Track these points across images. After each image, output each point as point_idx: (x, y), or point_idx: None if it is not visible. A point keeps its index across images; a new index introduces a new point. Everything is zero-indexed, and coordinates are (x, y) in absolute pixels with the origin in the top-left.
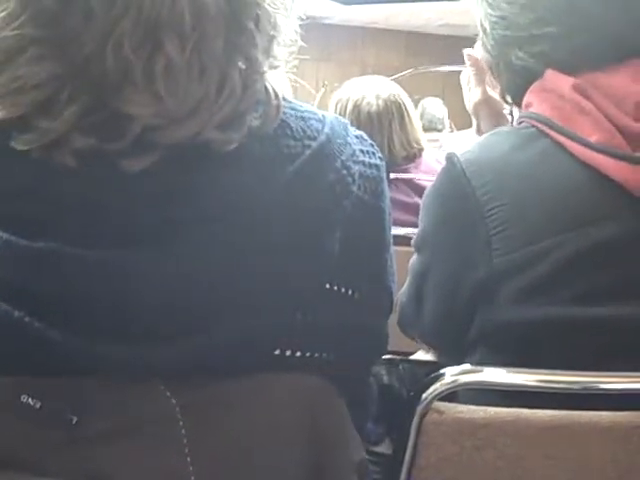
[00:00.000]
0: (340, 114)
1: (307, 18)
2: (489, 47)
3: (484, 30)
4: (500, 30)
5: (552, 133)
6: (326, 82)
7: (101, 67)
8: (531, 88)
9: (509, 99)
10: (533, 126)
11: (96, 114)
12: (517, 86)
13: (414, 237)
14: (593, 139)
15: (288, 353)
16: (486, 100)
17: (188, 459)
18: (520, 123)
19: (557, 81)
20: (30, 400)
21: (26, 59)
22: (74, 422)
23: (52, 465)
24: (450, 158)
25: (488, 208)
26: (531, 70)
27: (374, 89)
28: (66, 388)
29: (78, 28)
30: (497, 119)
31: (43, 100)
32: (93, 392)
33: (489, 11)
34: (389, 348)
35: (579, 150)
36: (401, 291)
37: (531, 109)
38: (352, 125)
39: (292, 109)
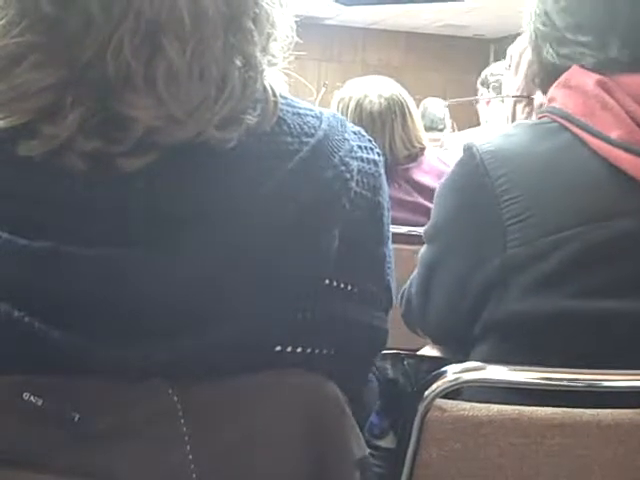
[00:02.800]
0: (342, 113)
1: (309, 18)
2: (530, 36)
3: (529, 20)
4: (539, 24)
5: (572, 128)
6: (327, 82)
7: (102, 71)
8: (556, 83)
9: (540, 89)
10: (554, 120)
11: (99, 118)
12: (543, 79)
13: (426, 227)
14: (614, 135)
15: (289, 350)
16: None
17: (190, 457)
18: (542, 117)
19: (582, 77)
20: (32, 398)
21: (27, 66)
22: (76, 420)
23: (54, 463)
24: (469, 148)
25: (505, 199)
26: (558, 68)
27: (376, 88)
28: (68, 386)
29: (78, 33)
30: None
31: (46, 106)
32: (95, 391)
33: (536, 3)
34: (395, 345)
35: (598, 145)
36: (408, 282)
37: (554, 104)
38: (354, 124)
39: (289, 106)
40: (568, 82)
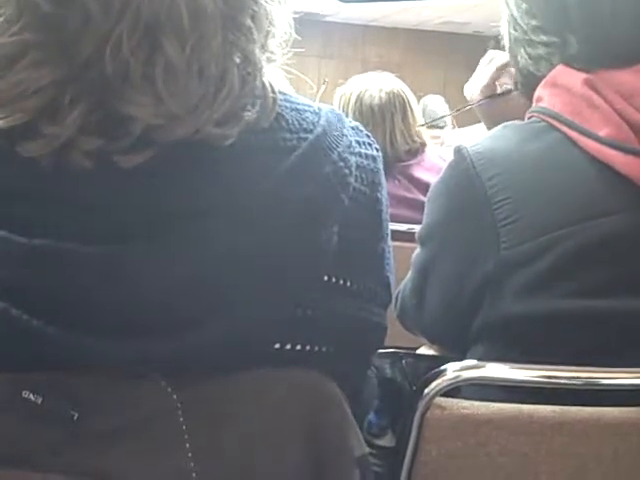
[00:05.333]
0: (343, 107)
1: (309, 15)
2: (506, 42)
3: (504, 26)
4: (511, 29)
5: (561, 127)
6: (327, 79)
7: (101, 69)
8: (543, 83)
9: (522, 94)
10: (543, 120)
11: (98, 116)
12: (523, 84)
13: (419, 229)
14: (602, 133)
15: (288, 347)
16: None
17: (189, 455)
18: (530, 118)
19: (568, 76)
20: (31, 396)
21: (26, 64)
22: (75, 418)
23: (53, 461)
24: (459, 151)
25: (496, 200)
26: (532, 71)
27: (377, 83)
28: (67, 385)
29: (76, 31)
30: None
31: (45, 105)
32: (94, 389)
33: (505, 9)
34: (392, 344)
35: (588, 144)
36: (402, 284)
37: (541, 103)
38: (354, 117)
39: (287, 102)
40: (555, 81)
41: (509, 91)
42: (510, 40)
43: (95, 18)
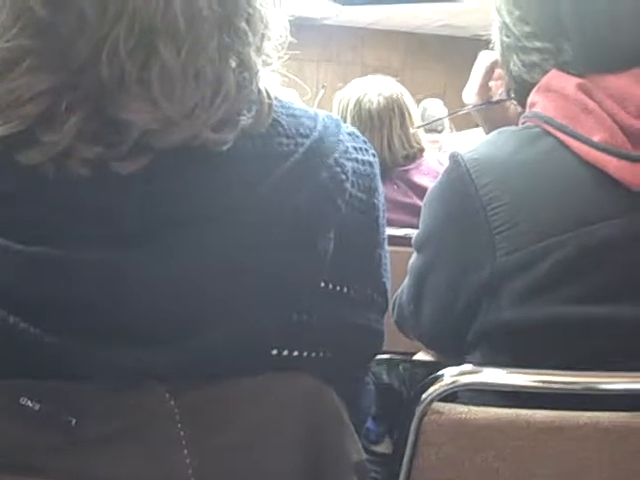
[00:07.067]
0: (342, 111)
1: (307, 19)
2: (498, 49)
3: (496, 33)
4: (503, 36)
5: (555, 132)
6: (325, 84)
7: (97, 75)
8: (536, 88)
9: (515, 101)
10: (537, 126)
11: (95, 122)
12: (516, 90)
13: (415, 236)
14: (596, 138)
15: (285, 353)
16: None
17: (187, 461)
18: (524, 123)
19: (562, 81)
20: (29, 402)
21: (21, 71)
22: (73, 424)
23: (51, 467)
24: (454, 157)
25: (491, 207)
26: (524, 78)
27: (376, 87)
28: (65, 391)
29: (72, 36)
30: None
31: (42, 112)
32: (92, 395)
33: (496, 16)
34: (390, 349)
35: (582, 149)
36: (399, 290)
37: (535, 108)
38: (353, 122)
39: (284, 107)
40: (548, 86)
41: (506, 99)
42: (502, 47)
43: (91, 22)
